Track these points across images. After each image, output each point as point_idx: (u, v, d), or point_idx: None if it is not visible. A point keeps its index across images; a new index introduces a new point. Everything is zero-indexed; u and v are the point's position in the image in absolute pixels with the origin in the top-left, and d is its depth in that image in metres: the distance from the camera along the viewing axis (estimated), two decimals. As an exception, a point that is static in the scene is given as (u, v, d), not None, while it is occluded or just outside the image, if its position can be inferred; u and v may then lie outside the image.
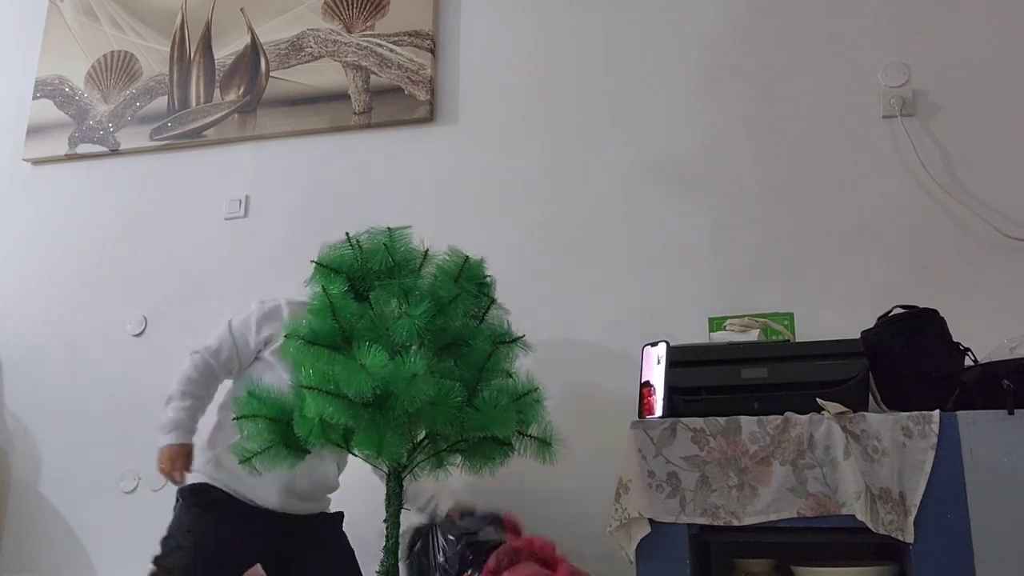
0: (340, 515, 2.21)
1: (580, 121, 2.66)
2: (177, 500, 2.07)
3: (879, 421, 1.66)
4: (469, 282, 1.83)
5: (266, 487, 2.01)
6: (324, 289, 1.75)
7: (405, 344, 1.69)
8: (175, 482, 2.04)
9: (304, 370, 1.72)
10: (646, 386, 1.93)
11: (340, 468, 2.21)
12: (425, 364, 1.64)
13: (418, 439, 1.88)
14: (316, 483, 2.11)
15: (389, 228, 1.89)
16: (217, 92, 3.04)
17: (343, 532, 2.19)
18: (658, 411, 1.85)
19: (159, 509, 2.39)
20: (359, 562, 2.14)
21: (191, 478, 2.06)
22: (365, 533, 2.15)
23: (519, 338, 1.90)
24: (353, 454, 1.91)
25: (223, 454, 2.04)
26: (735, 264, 2.42)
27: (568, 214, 2.59)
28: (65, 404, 2.87)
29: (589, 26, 2.73)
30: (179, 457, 2.01)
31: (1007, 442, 1.60)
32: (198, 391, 2.07)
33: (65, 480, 2.81)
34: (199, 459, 2.07)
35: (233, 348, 2.11)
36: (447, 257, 1.86)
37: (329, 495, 2.20)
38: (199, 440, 2.09)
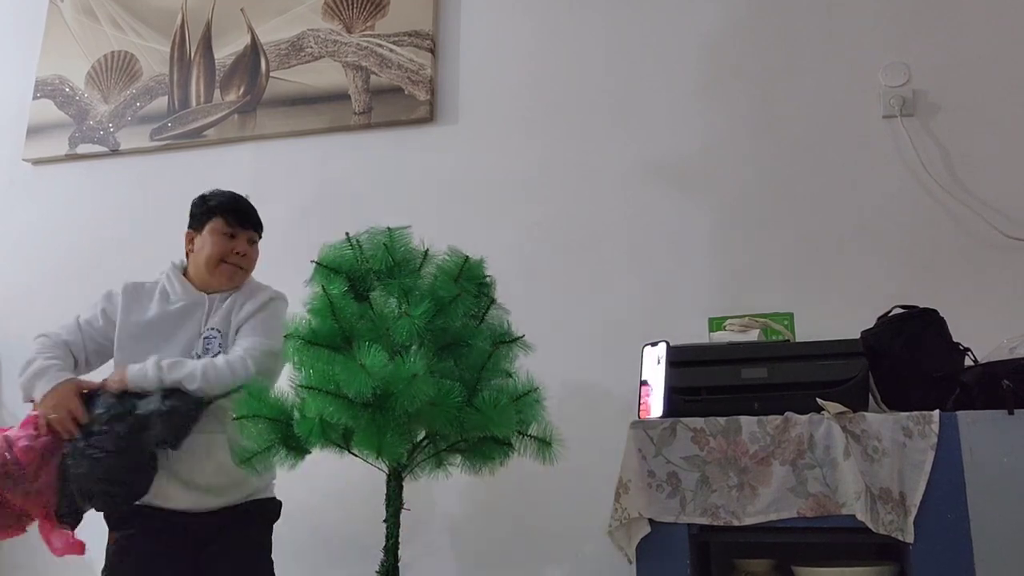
0: (260, 504, 2.06)
1: (580, 121, 2.66)
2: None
3: (879, 421, 1.66)
4: (469, 282, 1.83)
5: (171, 487, 1.93)
6: (324, 289, 1.75)
7: (405, 344, 1.69)
8: (71, 431, 1.85)
9: (304, 370, 1.72)
10: (643, 386, 1.93)
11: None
12: (425, 364, 1.64)
13: (418, 439, 1.89)
14: (221, 475, 1.97)
15: (389, 228, 1.89)
16: (217, 92, 3.04)
17: (256, 524, 2.06)
18: (653, 412, 1.85)
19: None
20: (359, 562, 2.14)
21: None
22: (365, 533, 2.15)
23: (519, 338, 1.90)
24: (353, 454, 1.91)
25: None
26: (735, 264, 2.41)
27: (568, 214, 2.59)
28: (65, 404, 2.87)
29: (589, 26, 2.73)
30: (69, 397, 1.88)
31: (1007, 442, 1.60)
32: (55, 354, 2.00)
33: (65, 480, 2.81)
34: None
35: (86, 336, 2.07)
36: (447, 257, 1.86)
37: (242, 486, 2.03)
38: None
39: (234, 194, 2.16)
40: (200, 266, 2.08)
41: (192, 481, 1.94)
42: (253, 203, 2.22)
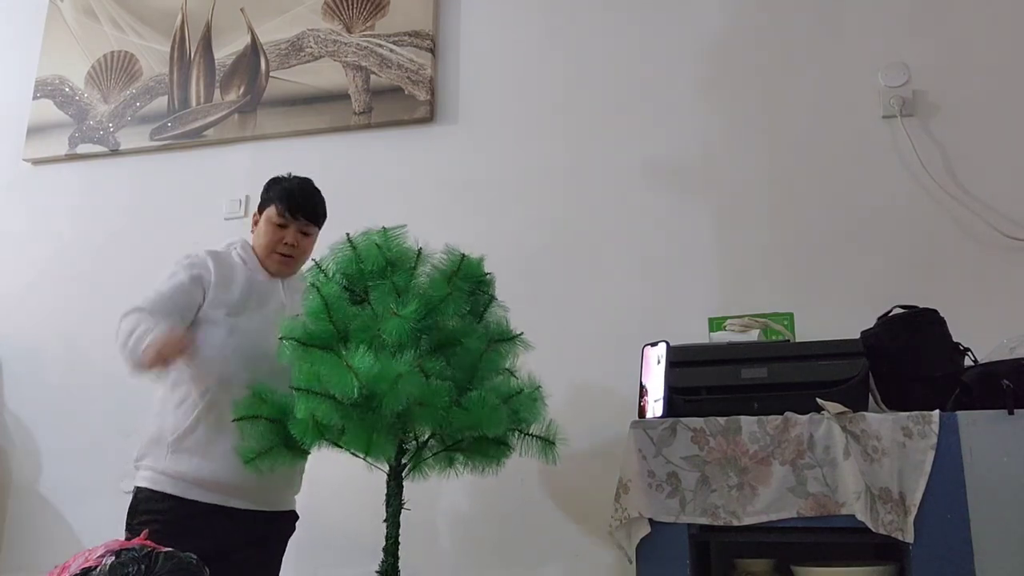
0: (293, 515, 2.13)
1: (580, 121, 2.66)
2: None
3: (879, 421, 1.66)
4: (465, 280, 1.83)
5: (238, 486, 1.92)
6: (319, 290, 1.76)
7: (397, 344, 1.69)
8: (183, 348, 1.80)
9: (296, 371, 1.72)
10: (643, 386, 1.93)
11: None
12: (410, 364, 1.64)
13: (423, 439, 1.89)
14: (287, 477, 2.02)
15: (384, 228, 1.89)
16: (217, 92, 3.04)
17: (286, 533, 2.12)
18: (650, 413, 1.85)
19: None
20: (359, 562, 2.14)
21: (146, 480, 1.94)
22: (365, 533, 2.15)
23: (516, 336, 1.90)
24: (353, 454, 1.91)
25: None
26: (735, 264, 2.41)
27: (568, 214, 2.59)
28: (65, 404, 2.87)
29: (589, 26, 2.72)
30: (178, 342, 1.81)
31: (1007, 442, 1.60)
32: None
33: (65, 480, 2.81)
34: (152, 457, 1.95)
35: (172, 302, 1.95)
36: (444, 256, 1.86)
37: (292, 491, 2.12)
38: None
39: (300, 181, 2.12)
40: (259, 250, 2.09)
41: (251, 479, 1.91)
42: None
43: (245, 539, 1.95)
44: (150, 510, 1.91)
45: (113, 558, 1.50)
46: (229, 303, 1.98)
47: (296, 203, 2.07)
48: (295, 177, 2.13)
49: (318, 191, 2.14)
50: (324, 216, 2.13)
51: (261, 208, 2.11)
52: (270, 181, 2.13)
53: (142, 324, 1.84)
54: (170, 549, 1.53)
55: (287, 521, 2.10)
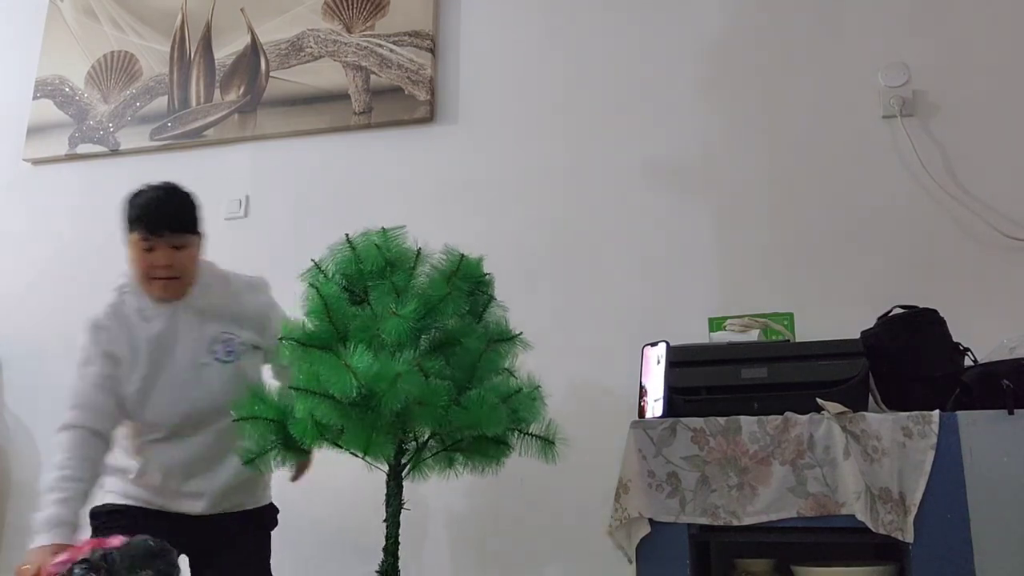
0: (267, 510, 2.06)
1: (580, 121, 2.66)
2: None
3: (879, 421, 1.66)
4: (464, 280, 1.83)
5: (192, 493, 1.91)
6: (318, 290, 1.76)
7: (396, 344, 1.69)
8: None
9: (295, 371, 1.72)
10: (643, 386, 1.93)
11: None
12: (409, 364, 1.64)
13: (423, 439, 1.89)
14: (240, 478, 1.95)
15: (383, 228, 1.89)
16: (217, 92, 3.04)
17: (261, 530, 2.06)
18: (650, 413, 1.85)
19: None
20: (359, 562, 2.14)
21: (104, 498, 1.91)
22: (365, 533, 2.15)
23: (516, 336, 1.90)
24: (353, 454, 1.91)
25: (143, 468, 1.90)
26: (735, 264, 2.41)
27: (568, 214, 2.59)
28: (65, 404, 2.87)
29: (589, 26, 2.72)
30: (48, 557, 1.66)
31: (1007, 442, 1.60)
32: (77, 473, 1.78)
33: (65, 480, 2.81)
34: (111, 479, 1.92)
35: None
36: (443, 256, 1.86)
37: (257, 490, 2.04)
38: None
39: (155, 192, 1.88)
40: (137, 281, 1.92)
41: (205, 486, 1.93)
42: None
43: (207, 543, 1.94)
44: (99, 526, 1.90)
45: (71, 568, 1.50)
46: (140, 376, 1.88)
47: (154, 218, 1.83)
48: (150, 188, 1.89)
49: (179, 193, 1.90)
50: (194, 220, 1.90)
51: (126, 235, 1.89)
52: (126, 199, 1.91)
53: (55, 493, 1.73)
54: (122, 540, 1.51)
55: (250, 520, 2.03)
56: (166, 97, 3.09)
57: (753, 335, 2.05)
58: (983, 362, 1.82)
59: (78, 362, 1.89)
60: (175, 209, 1.87)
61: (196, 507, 1.92)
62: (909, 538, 1.59)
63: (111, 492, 1.94)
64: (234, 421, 1.82)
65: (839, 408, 1.70)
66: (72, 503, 1.74)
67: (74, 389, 1.85)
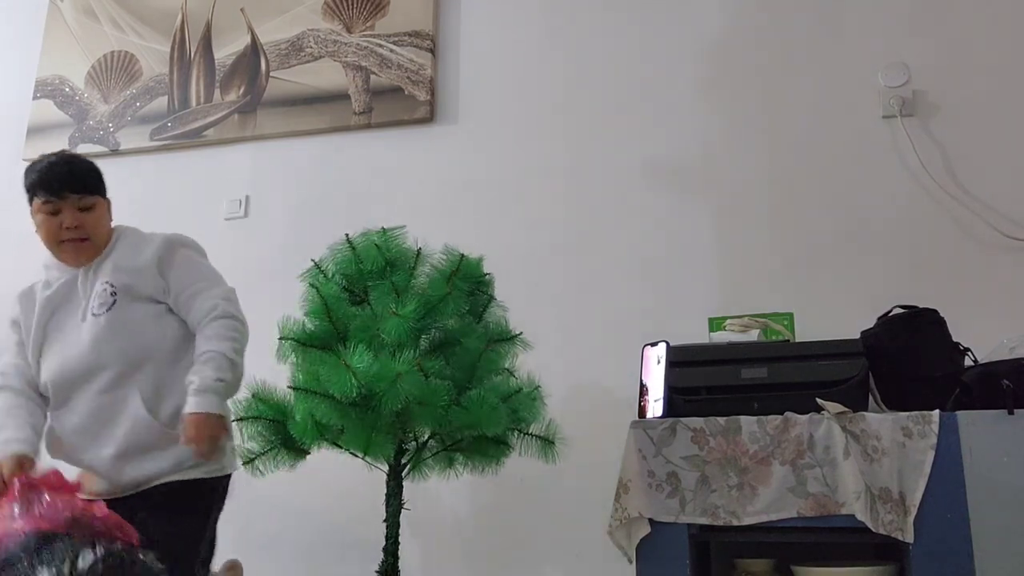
0: (198, 485, 1.73)
1: (580, 121, 2.66)
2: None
3: (879, 421, 1.66)
4: (464, 280, 1.83)
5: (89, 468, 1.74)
6: (318, 290, 1.76)
7: (396, 343, 1.70)
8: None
9: (295, 371, 1.72)
10: (643, 386, 1.93)
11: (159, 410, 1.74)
12: (409, 363, 1.64)
13: (422, 439, 1.89)
14: (136, 444, 1.71)
15: (383, 228, 1.89)
16: (217, 92, 3.04)
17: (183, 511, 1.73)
18: (651, 413, 1.85)
19: (159, 509, 2.39)
20: (359, 562, 2.14)
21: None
22: (365, 533, 2.15)
23: (515, 336, 1.90)
24: (353, 454, 1.91)
25: None
26: (735, 264, 2.41)
27: (568, 214, 2.59)
28: (65, 404, 2.87)
29: (589, 26, 2.72)
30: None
31: (1007, 442, 1.60)
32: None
33: (65, 480, 2.81)
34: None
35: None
36: (444, 256, 1.86)
37: (173, 458, 1.71)
38: None
39: (50, 158, 1.87)
40: (49, 251, 1.88)
41: (94, 458, 1.72)
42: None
43: None
44: None
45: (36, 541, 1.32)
46: (32, 341, 1.83)
47: (51, 180, 1.82)
48: (45, 156, 1.89)
49: (77, 158, 1.89)
50: (96, 180, 1.87)
51: (30, 204, 1.88)
52: (25, 171, 1.90)
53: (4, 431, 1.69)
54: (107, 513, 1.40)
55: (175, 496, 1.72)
56: (166, 97, 3.09)
57: (753, 335, 2.05)
58: (983, 362, 1.81)
59: None
60: (75, 170, 1.85)
61: (100, 487, 1.71)
62: (909, 538, 1.59)
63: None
64: (233, 421, 1.82)
65: (839, 408, 1.70)
66: (25, 430, 1.70)
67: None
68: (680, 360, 1.89)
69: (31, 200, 1.86)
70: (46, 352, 1.81)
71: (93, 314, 1.78)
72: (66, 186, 1.81)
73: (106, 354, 1.73)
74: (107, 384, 1.72)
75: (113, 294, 1.79)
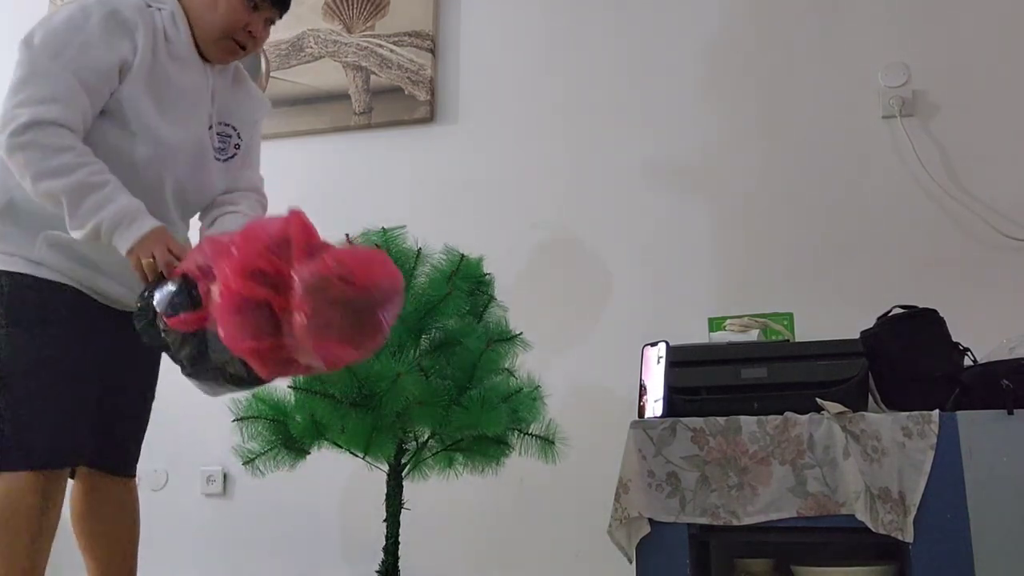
0: None
1: (580, 121, 2.66)
2: None
3: (879, 421, 1.66)
4: (464, 280, 1.84)
5: (113, 276, 1.51)
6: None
7: (400, 343, 1.70)
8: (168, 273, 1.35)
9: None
10: (643, 386, 1.94)
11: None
12: (410, 363, 1.65)
13: (422, 439, 1.89)
14: None
15: (384, 228, 1.90)
16: (217, 92, 3.04)
17: None
18: (650, 413, 1.85)
19: (158, 509, 2.39)
20: (359, 561, 2.14)
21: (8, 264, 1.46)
22: (365, 533, 2.16)
23: (516, 336, 1.91)
24: (353, 454, 1.91)
25: (65, 238, 1.44)
26: (735, 264, 2.42)
27: (568, 214, 2.59)
28: (65, 404, 2.87)
29: (589, 26, 2.72)
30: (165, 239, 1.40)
31: (1007, 442, 1.60)
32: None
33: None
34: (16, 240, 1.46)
35: (85, 99, 1.41)
36: (444, 256, 1.86)
37: None
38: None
39: None
40: (204, 27, 1.56)
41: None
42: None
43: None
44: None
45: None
46: (161, 94, 1.50)
47: None
48: None
49: None
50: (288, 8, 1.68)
51: None
52: None
53: (83, 170, 1.36)
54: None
55: None
56: (166, 97, 3.09)
57: (753, 335, 2.05)
58: (983, 362, 1.82)
59: (50, 43, 1.49)
60: None
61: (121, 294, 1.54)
62: (909, 538, 1.59)
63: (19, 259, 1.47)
64: (233, 421, 1.82)
65: (839, 408, 1.70)
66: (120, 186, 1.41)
67: (49, 76, 1.41)
68: (680, 360, 1.89)
69: None
70: (155, 148, 1.50)
71: (216, 157, 1.60)
72: (287, 4, 1.63)
73: (192, 196, 1.59)
74: (166, 219, 1.52)
75: (237, 146, 1.68)
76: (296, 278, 1.25)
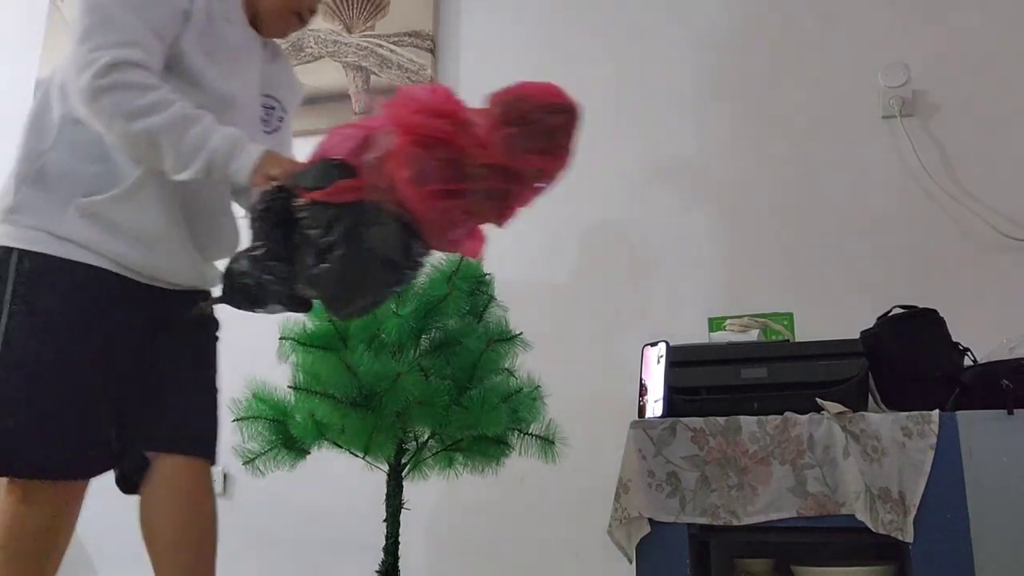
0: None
1: (580, 121, 2.65)
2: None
3: (879, 421, 1.66)
4: (464, 280, 1.84)
5: (173, 257, 1.42)
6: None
7: (400, 343, 1.70)
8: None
9: (296, 371, 1.73)
10: (643, 386, 1.94)
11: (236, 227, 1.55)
12: (410, 363, 1.65)
13: (422, 439, 1.89)
14: (221, 246, 1.50)
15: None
16: (217, 92, 3.04)
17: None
18: (650, 413, 1.85)
19: (159, 509, 2.39)
20: (359, 561, 2.14)
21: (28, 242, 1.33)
22: (365, 533, 2.16)
23: (516, 336, 1.91)
24: (354, 454, 1.91)
25: (102, 203, 1.34)
26: (735, 264, 2.42)
27: (567, 214, 2.59)
28: (65, 404, 2.87)
29: (589, 26, 2.72)
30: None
31: (1006, 442, 1.60)
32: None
33: (65, 480, 2.81)
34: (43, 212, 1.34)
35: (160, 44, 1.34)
36: (444, 256, 1.86)
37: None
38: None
39: None
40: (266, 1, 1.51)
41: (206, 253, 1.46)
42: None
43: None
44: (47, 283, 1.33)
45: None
46: (215, 51, 1.42)
47: None
48: None
49: None
50: None
51: None
52: None
53: (178, 104, 1.28)
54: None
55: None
56: (166, 97, 3.09)
57: (753, 335, 2.05)
58: (983, 362, 1.82)
59: None
60: None
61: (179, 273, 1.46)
62: (909, 538, 1.59)
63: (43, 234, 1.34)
64: (233, 421, 1.81)
65: (839, 408, 1.70)
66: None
67: (123, 22, 1.30)
68: (680, 360, 1.89)
69: None
70: (223, 79, 1.43)
71: (262, 128, 1.54)
72: None
73: None
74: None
75: (280, 119, 1.61)
76: (473, 114, 1.25)
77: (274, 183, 1.24)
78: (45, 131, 1.37)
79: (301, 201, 1.21)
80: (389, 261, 1.22)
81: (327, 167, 1.21)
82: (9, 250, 1.33)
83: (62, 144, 1.35)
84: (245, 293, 1.27)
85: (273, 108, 1.58)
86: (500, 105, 1.31)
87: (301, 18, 1.55)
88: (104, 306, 1.36)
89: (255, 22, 1.52)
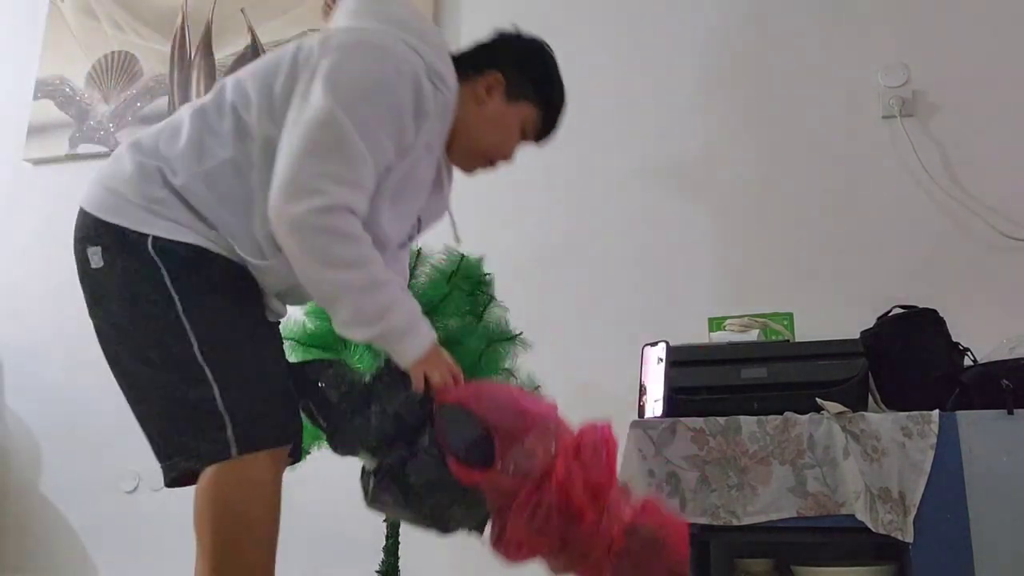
0: None
1: (580, 121, 2.63)
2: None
3: (879, 421, 1.66)
4: (464, 280, 1.84)
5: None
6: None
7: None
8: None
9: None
10: (643, 386, 1.94)
11: None
12: None
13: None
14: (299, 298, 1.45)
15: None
16: (217, 92, 3.04)
17: None
18: (650, 413, 1.85)
19: (159, 509, 2.39)
20: (359, 561, 2.14)
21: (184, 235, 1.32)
22: (365, 533, 2.15)
23: (516, 335, 1.91)
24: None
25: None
26: (735, 264, 2.41)
27: (568, 214, 2.59)
28: (65, 404, 2.87)
29: (589, 26, 2.72)
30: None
31: (1006, 442, 1.60)
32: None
33: (65, 480, 2.81)
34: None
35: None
36: (444, 256, 1.86)
37: None
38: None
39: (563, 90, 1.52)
40: (471, 135, 1.47)
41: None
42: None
43: None
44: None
45: None
46: (403, 188, 1.36)
47: (555, 125, 1.55)
48: (558, 75, 1.56)
49: None
50: None
51: (516, 92, 1.49)
52: (539, 52, 1.58)
53: (375, 265, 1.25)
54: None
55: None
56: (166, 98, 3.09)
57: (753, 335, 2.05)
58: (983, 362, 1.82)
59: (361, 110, 1.24)
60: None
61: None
62: (909, 538, 1.59)
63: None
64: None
65: (839, 408, 1.70)
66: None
67: (360, 156, 1.23)
68: (680, 360, 1.89)
69: (523, 96, 1.51)
70: (404, 205, 1.40)
71: (399, 245, 1.50)
72: (550, 135, 1.58)
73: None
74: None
75: (411, 237, 1.59)
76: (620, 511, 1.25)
77: (423, 392, 1.25)
78: (206, 152, 1.30)
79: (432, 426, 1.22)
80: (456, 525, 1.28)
81: (478, 445, 1.20)
82: (154, 238, 1.35)
83: (212, 181, 1.29)
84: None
85: (413, 236, 1.56)
86: (633, 534, 1.25)
87: (492, 164, 1.53)
88: (253, 289, 1.35)
89: (448, 147, 1.47)
